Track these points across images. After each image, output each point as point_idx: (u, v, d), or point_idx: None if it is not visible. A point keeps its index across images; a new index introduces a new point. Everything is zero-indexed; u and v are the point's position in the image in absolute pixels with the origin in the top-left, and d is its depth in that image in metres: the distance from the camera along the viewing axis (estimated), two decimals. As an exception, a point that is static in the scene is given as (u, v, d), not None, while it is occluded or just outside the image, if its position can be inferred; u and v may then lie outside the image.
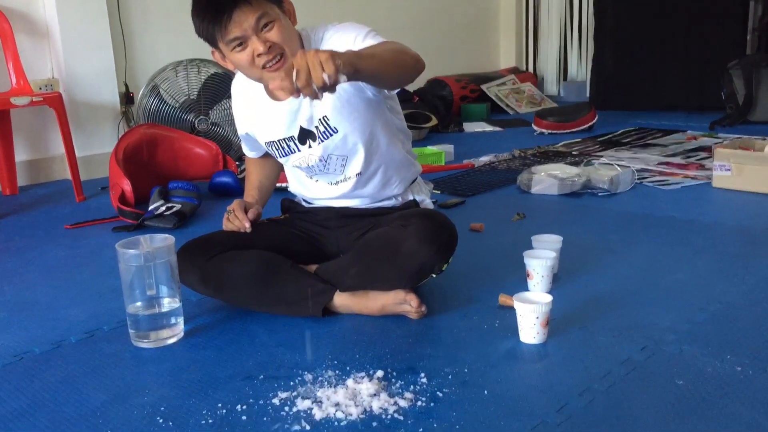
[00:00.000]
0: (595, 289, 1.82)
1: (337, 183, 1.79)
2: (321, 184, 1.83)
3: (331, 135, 1.70)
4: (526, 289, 1.80)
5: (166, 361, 1.53)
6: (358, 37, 1.61)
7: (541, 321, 1.51)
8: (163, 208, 2.60)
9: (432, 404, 1.30)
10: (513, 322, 1.57)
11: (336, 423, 1.25)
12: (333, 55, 1.30)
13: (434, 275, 1.67)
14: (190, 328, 1.68)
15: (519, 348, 1.52)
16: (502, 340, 1.55)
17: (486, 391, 1.34)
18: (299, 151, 1.76)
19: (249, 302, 1.73)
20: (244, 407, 1.32)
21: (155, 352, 1.58)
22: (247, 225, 1.78)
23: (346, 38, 1.63)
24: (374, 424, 1.25)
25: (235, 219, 1.80)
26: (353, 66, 1.35)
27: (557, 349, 1.50)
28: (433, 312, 1.69)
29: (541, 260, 1.79)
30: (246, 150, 1.98)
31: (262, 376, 1.43)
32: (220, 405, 1.33)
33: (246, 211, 1.81)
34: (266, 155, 1.95)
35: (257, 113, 1.79)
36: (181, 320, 1.65)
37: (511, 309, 1.58)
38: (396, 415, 1.27)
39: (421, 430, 1.22)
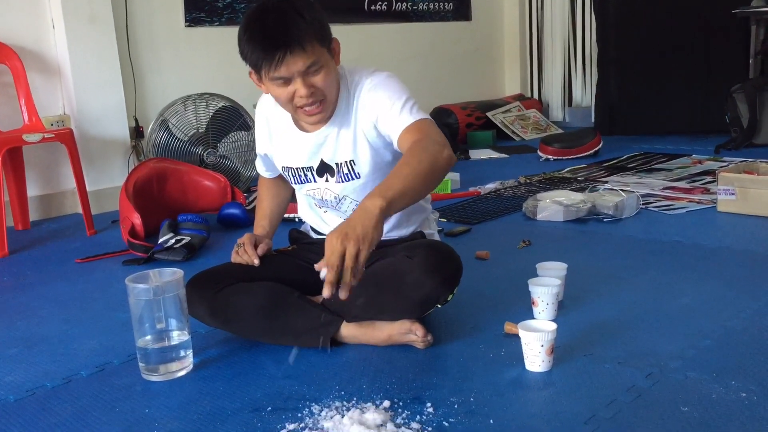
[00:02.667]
0: (600, 315, 1.83)
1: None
2: (330, 216, 1.86)
3: (353, 179, 1.74)
4: (532, 317, 1.81)
5: (175, 394, 1.55)
6: (394, 106, 1.63)
7: (546, 349, 1.52)
8: (173, 240, 2.64)
9: (438, 434, 1.31)
10: (518, 350, 1.58)
11: (343, 454, 1.27)
12: (364, 247, 1.38)
13: (440, 305, 1.69)
14: (199, 361, 1.70)
15: (524, 376, 1.53)
16: (507, 369, 1.56)
17: (492, 420, 1.35)
18: (315, 182, 1.79)
19: (257, 334, 1.75)
20: (253, 438, 1.33)
21: (165, 385, 1.60)
22: (256, 261, 1.80)
23: (382, 103, 1.65)
24: (381, 454, 1.26)
25: (245, 254, 1.82)
26: (385, 217, 1.42)
27: (562, 377, 1.51)
28: (439, 341, 1.71)
29: (545, 288, 1.80)
30: (261, 169, 2.01)
31: (270, 408, 1.45)
32: (230, 437, 1.35)
33: (256, 246, 1.83)
34: (280, 177, 1.98)
35: (280, 138, 1.82)
36: (190, 353, 1.67)
37: (517, 337, 1.59)
38: (402, 446, 1.28)
39: (428, 460, 1.24)
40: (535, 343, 1.52)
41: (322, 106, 1.65)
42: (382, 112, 1.66)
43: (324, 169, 1.77)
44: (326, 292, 1.37)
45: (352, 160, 1.73)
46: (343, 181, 1.76)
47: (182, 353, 1.66)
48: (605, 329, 1.74)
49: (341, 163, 1.74)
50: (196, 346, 1.71)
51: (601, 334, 1.71)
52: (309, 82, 1.61)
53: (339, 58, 1.69)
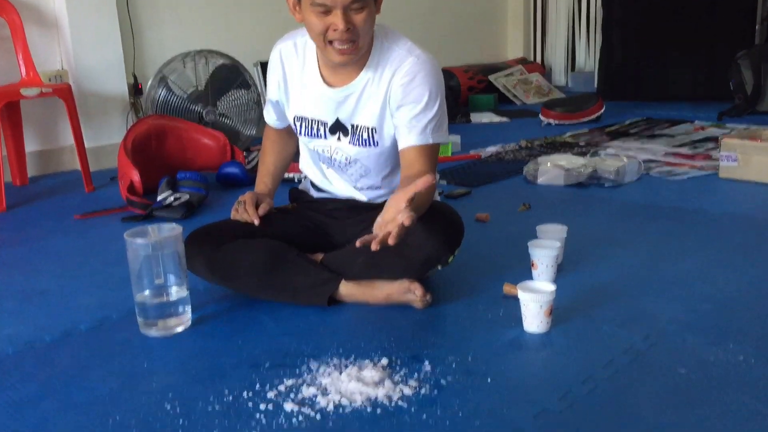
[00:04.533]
0: (599, 279, 1.83)
1: (347, 183, 1.82)
2: (333, 174, 1.84)
3: (371, 146, 1.73)
4: (531, 279, 1.81)
5: (173, 349, 1.55)
6: (419, 118, 1.67)
7: (545, 310, 1.52)
8: (172, 198, 2.63)
9: (435, 392, 1.32)
10: (517, 311, 1.58)
11: (341, 410, 1.27)
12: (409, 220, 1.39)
13: (440, 267, 1.68)
14: (198, 317, 1.70)
15: (522, 337, 1.53)
16: (506, 329, 1.56)
17: (489, 379, 1.35)
18: (325, 138, 1.77)
19: (256, 291, 1.75)
20: (250, 394, 1.34)
21: (163, 340, 1.60)
22: (257, 222, 1.79)
23: (410, 106, 1.67)
24: (378, 411, 1.26)
25: (245, 213, 1.81)
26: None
27: (560, 338, 1.51)
28: (438, 301, 1.71)
29: (545, 250, 1.80)
30: (269, 118, 1.95)
31: (268, 364, 1.45)
32: (226, 392, 1.35)
33: (257, 205, 1.82)
34: (286, 130, 1.95)
35: (298, 85, 1.78)
36: (188, 309, 1.67)
37: (516, 298, 1.59)
38: (400, 403, 1.28)
39: (425, 417, 1.24)
40: (534, 303, 1.52)
41: (354, 47, 1.61)
42: (404, 112, 1.67)
43: (338, 127, 1.75)
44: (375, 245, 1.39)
45: (374, 128, 1.71)
46: (359, 145, 1.74)
47: (181, 309, 1.66)
48: (604, 292, 1.74)
49: (360, 127, 1.72)
50: (194, 302, 1.71)
51: (599, 297, 1.71)
52: (349, 18, 1.57)
53: (380, 7, 1.65)
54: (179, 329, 1.64)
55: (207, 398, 1.33)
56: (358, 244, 1.42)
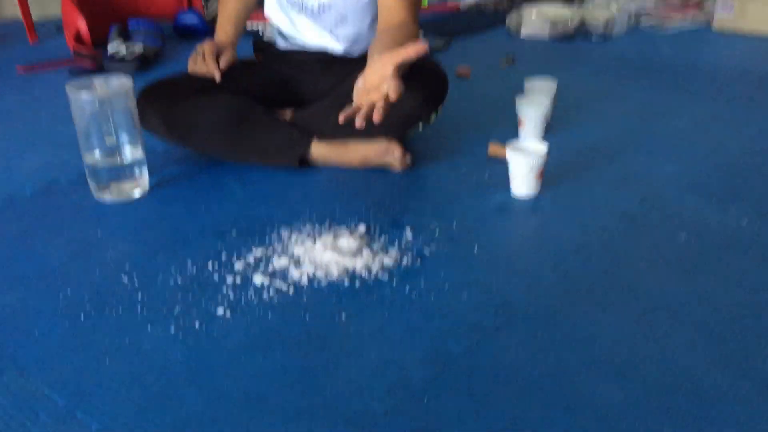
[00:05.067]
0: (590, 137, 1.71)
1: (320, 31, 1.62)
2: (304, 21, 1.65)
3: None
4: (518, 138, 1.68)
5: (130, 216, 1.42)
6: None
7: (535, 172, 1.40)
8: (124, 50, 2.40)
9: (418, 262, 1.21)
10: (503, 173, 1.46)
11: (316, 284, 1.16)
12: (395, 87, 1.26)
13: (421, 126, 1.54)
14: (157, 181, 1.55)
15: (510, 201, 1.42)
16: (492, 193, 1.45)
17: (476, 248, 1.25)
18: None
19: (219, 152, 1.60)
20: (216, 265, 1.22)
21: (118, 206, 1.46)
22: (218, 76, 1.61)
23: None
24: (357, 284, 1.16)
25: (203, 65, 1.63)
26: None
27: (551, 203, 1.40)
28: (419, 164, 1.58)
29: (534, 107, 1.66)
30: None
31: (234, 232, 1.33)
32: (189, 263, 1.23)
33: (218, 57, 1.63)
34: None
35: None
36: (145, 171, 1.52)
37: (502, 160, 1.47)
38: (380, 275, 1.18)
39: (408, 289, 1.14)
40: (524, 165, 1.40)
41: None
42: None
43: None
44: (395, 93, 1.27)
45: None
46: None
47: (136, 171, 1.51)
48: (596, 152, 1.63)
49: None
50: (153, 164, 1.56)
51: (591, 157, 1.60)
52: None
53: None
54: (136, 194, 1.50)
55: (168, 270, 1.21)
56: (341, 120, 1.29)
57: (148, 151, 1.53)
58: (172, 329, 1.06)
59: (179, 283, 1.17)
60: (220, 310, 1.10)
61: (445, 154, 1.64)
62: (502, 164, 1.47)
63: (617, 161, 1.58)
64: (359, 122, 1.26)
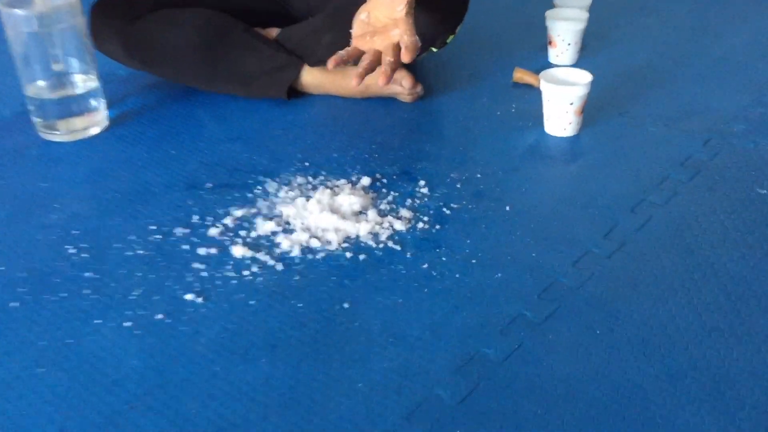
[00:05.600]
0: (633, 61, 1.44)
1: None
2: None
3: None
4: (547, 61, 1.42)
5: (82, 162, 1.16)
6: None
7: (576, 108, 1.15)
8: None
9: (437, 227, 0.97)
10: (533, 105, 1.21)
11: (310, 255, 0.93)
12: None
13: (435, 49, 1.27)
14: (117, 115, 1.29)
15: (544, 143, 1.17)
16: (521, 132, 1.20)
17: (508, 207, 1.01)
18: None
19: (190, 79, 1.33)
20: (186, 232, 0.98)
21: (70, 147, 1.20)
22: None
23: None
24: (362, 256, 0.92)
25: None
26: None
27: (595, 145, 1.16)
28: (431, 93, 1.32)
29: (568, 23, 1.38)
30: None
31: (210, 185, 1.08)
32: (153, 227, 0.99)
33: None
34: None
35: None
36: (102, 105, 1.26)
37: (531, 88, 1.21)
38: (390, 244, 0.94)
39: (426, 265, 0.91)
40: (562, 99, 1.14)
41: None
42: None
43: None
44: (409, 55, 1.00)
45: None
46: None
47: (92, 104, 1.25)
48: (642, 79, 1.36)
49: None
50: (111, 95, 1.29)
51: (637, 86, 1.33)
52: None
53: None
54: (92, 131, 1.25)
55: (125, 237, 0.97)
56: (330, 65, 1.04)
57: (104, 78, 1.26)
58: (128, 323, 0.83)
59: (139, 256, 0.94)
60: (188, 296, 0.87)
61: (463, 81, 1.37)
62: (531, 93, 1.22)
63: (668, 91, 1.32)
64: (356, 81, 0.99)
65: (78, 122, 1.24)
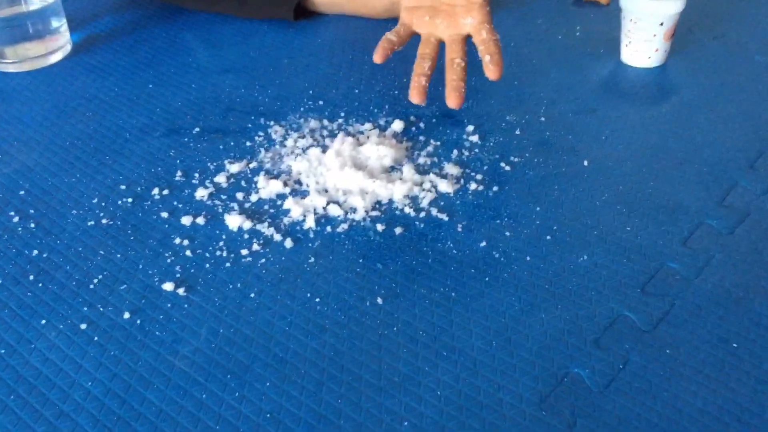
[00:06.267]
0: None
1: None
2: None
3: None
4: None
5: (37, 99, 0.92)
6: None
7: (666, 30, 0.90)
8: None
9: (495, 188, 0.74)
10: (604, 26, 0.96)
11: (329, 228, 0.70)
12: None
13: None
14: (83, 39, 1.05)
15: (624, 75, 0.92)
16: (592, 62, 0.95)
17: (586, 162, 0.77)
18: None
19: (174, -5, 1.08)
20: (166, 193, 0.75)
21: (21, 80, 0.96)
22: None
23: None
24: (397, 230, 0.69)
25: None
26: None
27: (690, 80, 0.91)
28: (474, 11, 1.06)
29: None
30: None
31: (197, 130, 0.85)
32: (123, 187, 0.76)
33: None
34: None
35: None
36: (64, 25, 1.02)
37: (595, 3, 0.96)
38: (434, 212, 0.71)
39: (485, 244, 0.67)
40: (651, 18, 0.89)
41: None
42: None
43: None
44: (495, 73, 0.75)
45: None
46: None
47: (53, 24, 1.00)
48: (733, -6, 1.10)
49: None
50: (76, 13, 1.05)
51: (732, 2, 1.07)
52: None
53: None
54: (51, 59, 1.00)
55: (86, 201, 0.74)
56: (376, 59, 0.77)
57: (66, -7, 1.01)
58: (83, 325, 0.61)
59: (103, 227, 0.71)
60: (167, 285, 0.64)
61: (511, -3, 1.12)
62: (599, 11, 0.97)
63: (769, 9, 1.06)
64: (417, 96, 0.74)
65: (32, 48, 0.99)
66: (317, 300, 0.62)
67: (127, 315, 0.61)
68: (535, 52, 0.97)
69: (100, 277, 0.65)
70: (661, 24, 0.88)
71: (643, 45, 0.90)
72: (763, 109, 0.84)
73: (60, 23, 1.01)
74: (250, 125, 0.85)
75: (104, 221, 0.72)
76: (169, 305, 0.62)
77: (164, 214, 0.72)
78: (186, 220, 0.71)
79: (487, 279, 0.64)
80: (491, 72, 0.74)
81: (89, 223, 0.71)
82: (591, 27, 1.02)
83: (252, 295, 0.63)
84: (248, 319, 0.61)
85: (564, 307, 0.61)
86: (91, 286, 0.64)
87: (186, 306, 0.62)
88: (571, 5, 1.08)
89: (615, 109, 0.85)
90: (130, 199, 0.74)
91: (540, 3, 1.09)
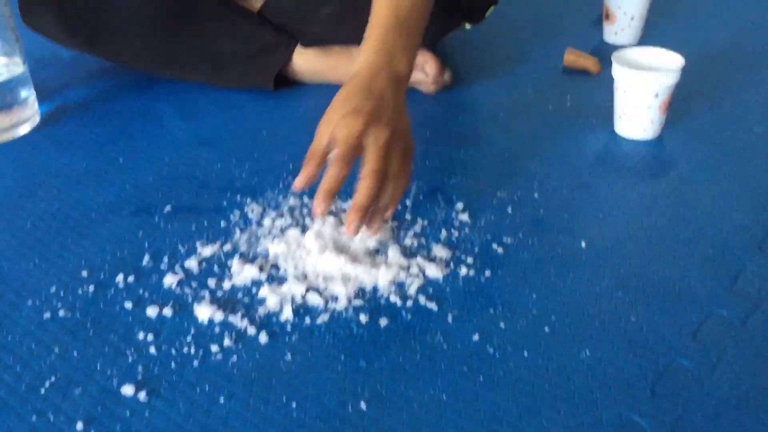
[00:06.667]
0: (714, 39, 1.15)
1: None
2: None
3: None
4: (603, 40, 1.13)
5: (7, 173, 0.87)
6: None
7: (661, 101, 0.86)
8: None
9: (487, 273, 0.69)
10: (596, 96, 0.93)
11: (308, 319, 0.64)
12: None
13: (468, 25, 0.98)
14: (52, 110, 1.00)
15: (619, 148, 0.88)
16: (585, 134, 0.91)
17: (583, 243, 0.72)
18: None
19: (148, 62, 1.03)
20: (131, 280, 0.69)
21: (-13, 154, 0.91)
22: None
23: None
24: (383, 321, 0.64)
25: None
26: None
27: (687, 152, 0.87)
28: (461, 82, 1.03)
29: (632, -8, 1.09)
30: None
31: (168, 208, 0.79)
32: (85, 273, 0.70)
33: None
34: None
35: None
36: (32, 96, 0.97)
37: (586, 73, 0.93)
38: (422, 300, 0.66)
39: (478, 338, 0.61)
40: (645, 90, 0.85)
41: None
42: None
43: None
44: (351, 230, 0.66)
45: None
46: None
47: (21, 95, 0.96)
48: (730, 63, 1.08)
49: None
50: (45, 84, 1.00)
51: (726, 72, 1.05)
52: None
53: None
54: (19, 132, 0.96)
55: (43, 290, 0.68)
56: (296, 186, 0.69)
57: (35, 62, 0.97)
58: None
59: (60, 320, 0.65)
60: (127, 389, 0.58)
61: (499, 65, 1.08)
62: (590, 81, 0.94)
63: (765, 77, 1.03)
64: (350, 230, 0.67)
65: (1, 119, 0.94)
66: (294, 405, 0.56)
67: (80, 425, 0.55)
68: (525, 123, 0.93)
69: (53, 378, 0.59)
70: (656, 95, 0.85)
71: (637, 117, 0.87)
72: (765, 184, 0.80)
73: (28, 94, 0.97)
74: (225, 203, 0.80)
75: (62, 313, 0.65)
76: (128, 413, 0.56)
77: (128, 305, 0.66)
78: (152, 312, 0.65)
79: (481, 379, 0.58)
80: (348, 225, 0.66)
81: (45, 316, 0.65)
82: (582, 96, 0.98)
83: (222, 399, 0.57)
84: (217, 429, 0.54)
85: (567, 411, 0.55)
86: (43, 391, 0.58)
87: (147, 414, 0.56)
88: (561, 73, 1.05)
89: (611, 184, 0.81)
90: (91, 288, 0.68)
91: (529, 71, 1.06)
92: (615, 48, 1.02)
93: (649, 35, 1.14)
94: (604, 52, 1.06)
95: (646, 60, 0.89)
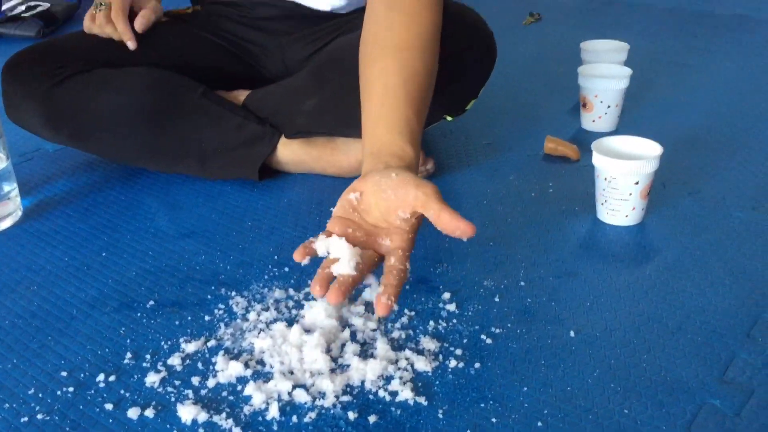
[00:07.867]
0: (688, 125, 1.18)
1: None
2: None
3: None
4: (581, 128, 1.16)
5: (-20, 271, 0.86)
6: None
7: (642, 189, 0.87)
8: (23, 6, 1.81)
9: (477, 365, 0.68)
10: (577, 183, 0.95)
11: (294, 417, 0.62)
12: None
13: (450, 117, 1.00)
14: (35, 204, 1.00)
15: (602, 235, 0.89)
16: (568, 220, 0.92)
17: (572, 332, 0.72)
18: None
19: (132, 157, 1.04)
20: (112, 380, 0.67)
21: (-34, 250, 0.90)
22: (129, 39, 1.03)
23: None
24: (372, 418, 0.62)
25: (109, 24, 1.05)
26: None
27: (670, 239, 0.87)
28: (444, 170, 1.04)
29: (609, 81, 1.12)
30: None
31: (151, 303, 0.78)
32: (64, 373, 0.68)
33: (134, 8, 1.06)
34: None
35: None
36: (14, 190, 0.97)
37: (566, 160, 0.95)
38: (411, 395, 0.64)
39: (463, 425, 0.61)
40: (627, 178, 0.87)
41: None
42: None
43: None
44: (382, 310, 0.63)
45: None
46: None
47: (3, 189, 0.95)
48: (706, 148, 1.10)
49: None
50: (27, 178, 1.00)
51: (703, 157, 1.07)
52: None
53: None
54: (1, 226, 0.95)
55: (21, 392, 0.66)
56: (297, 257, 0.69)
57: (18, 156, 0.97)
58: None
59: (37, 424, 0.63)
60: (106, 499, 0.55)
61: (481, 153, 1.10)
62: (570, 167, 0.96)
63: (743, 162, 1.05)
64: (334, 297, 0.64)
65: (-20, 215, 0.94)
66: None
67: None
68: (509, 210, 0.94)
69: (29, 487, 0.56)
70: (636, 183, 0.86)
71: (619, 204, 0.88)
72: (750, 269, 0.81)
73: (11, 188, 0.96)
74: (209, 296, 0.79)
75: (39, 416, 0.63)
76: None
77: (108, 406, 0.64)
78: (133, 413, 0.63)
79: (474, 478, 0.56)
80: (378, 308, 0.63)
81: (22, 420, 0.63)
82: (563, 183, 1.00)
83: (205, 507, 0.55)
84: None
85: None
86: (17, 501, 0.55)
87: None
88: (542, 161, 1.07)
89: (597, 271, 0.81)
90: (71, 389, 0.66)
91: (510, 158, 1.08)
92: (593, 135, 1.04)
93: (626, 122, 1.17)
94: (582, 140, 1.09)
95: (626, 148, 0.90)
